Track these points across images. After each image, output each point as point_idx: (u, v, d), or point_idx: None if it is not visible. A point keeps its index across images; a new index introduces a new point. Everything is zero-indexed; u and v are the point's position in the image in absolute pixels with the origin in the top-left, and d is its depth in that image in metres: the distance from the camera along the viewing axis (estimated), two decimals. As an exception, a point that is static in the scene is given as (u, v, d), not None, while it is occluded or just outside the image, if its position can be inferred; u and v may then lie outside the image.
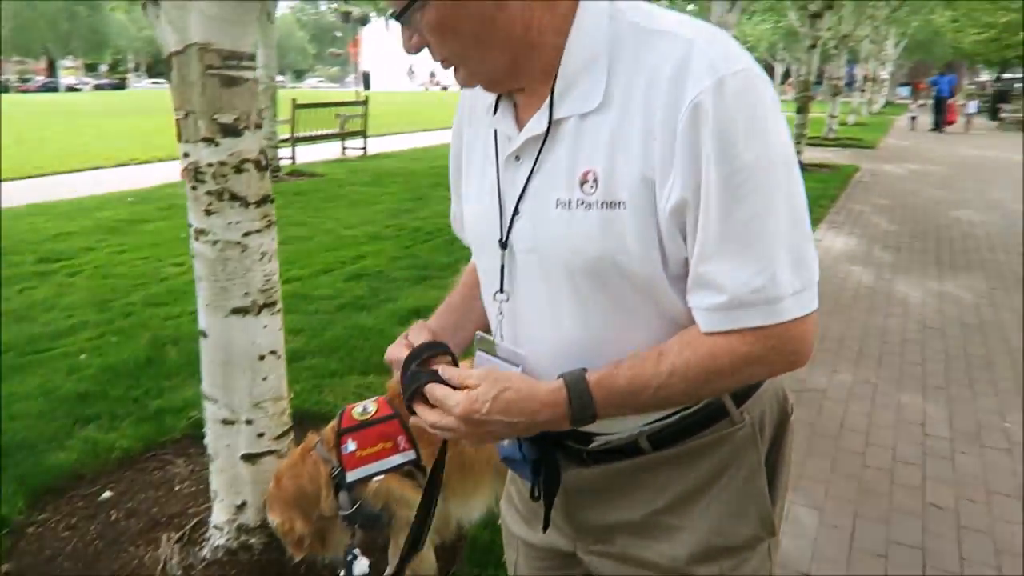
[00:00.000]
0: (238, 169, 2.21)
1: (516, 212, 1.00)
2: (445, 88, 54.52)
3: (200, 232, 2.23)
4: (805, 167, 12.17)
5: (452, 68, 0.99)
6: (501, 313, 1.06)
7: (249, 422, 2.39)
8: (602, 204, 0.91)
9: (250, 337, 2.32)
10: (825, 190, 10.27)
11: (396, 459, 1.97)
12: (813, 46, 12.27)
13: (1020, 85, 30.90)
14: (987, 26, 25.98)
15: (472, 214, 1.11)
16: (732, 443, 1.05)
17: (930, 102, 23.87)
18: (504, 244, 1.02)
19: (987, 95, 31.19)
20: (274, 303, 2.37)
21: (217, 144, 2.16)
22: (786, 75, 40.96)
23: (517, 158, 1.00)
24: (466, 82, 1.01)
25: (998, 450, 3.27)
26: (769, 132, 0.86)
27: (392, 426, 2.02)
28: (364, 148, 13.93)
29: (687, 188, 0.86)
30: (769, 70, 35.71)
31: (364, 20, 26.40)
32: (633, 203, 0.89)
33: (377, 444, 1.99)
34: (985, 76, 49.68)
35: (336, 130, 13.28)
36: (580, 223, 0.92)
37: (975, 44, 30.75)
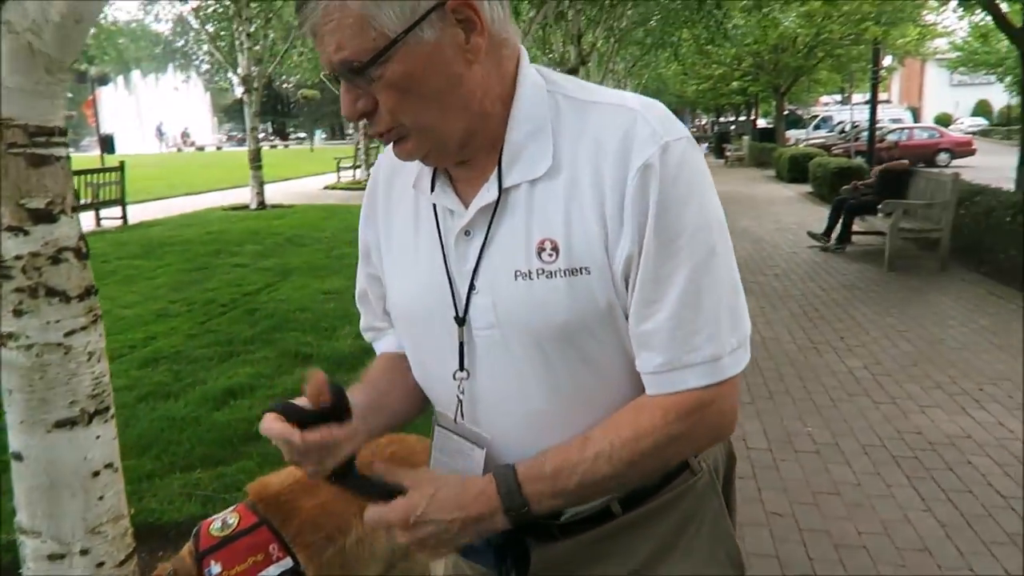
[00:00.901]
0: (55, 260, 1.91)
1: (472, 288, 0.97)
2: (201, 148, 51.57)
3: (8, 337, 1.89)
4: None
5: (396, 139, 0.93)
6: (463, 392, 1.01)
7: (84, 552, 2.04)
8: (565, 272, 0.91)
9: (80, 452, 1.99)
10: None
11: (272, 571, 1.79)
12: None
13: (734, 128, 35.71)
14: (705, 78, 29.76)
15: (408, 294, 1.06)
16: (695, 493, 1.07)
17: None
18: (461, 321, 0.98)
19: (710, 137, 35.62)
20: (107, 408, 2.06)
21: (27, 233, 1.86)
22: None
23: (467, 233, 0.97)
24: (413, 153, 0.95)
25: (809, 453, 3.65)
26: (705, 195, 0.92)
27: (261, 535, 1.83)
28: (124, 217, 12.77)
29: (633, 245, 0.89)
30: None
31: (104, 80, 24.42)
32: (596, 267, 0.91)
33: (247, 559, 1.79)
34: (704, 119, 56.94)
35: (89, 200, 12.05)
36: (543, 292, 0.92)
37: (696, 92, 35.10)
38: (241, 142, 55.63)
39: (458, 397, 1.01)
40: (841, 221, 8.94)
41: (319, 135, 54.48)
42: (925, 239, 8.36)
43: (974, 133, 32.34)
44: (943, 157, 22.80)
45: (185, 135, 54.50)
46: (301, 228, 11.39)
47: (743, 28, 15.94)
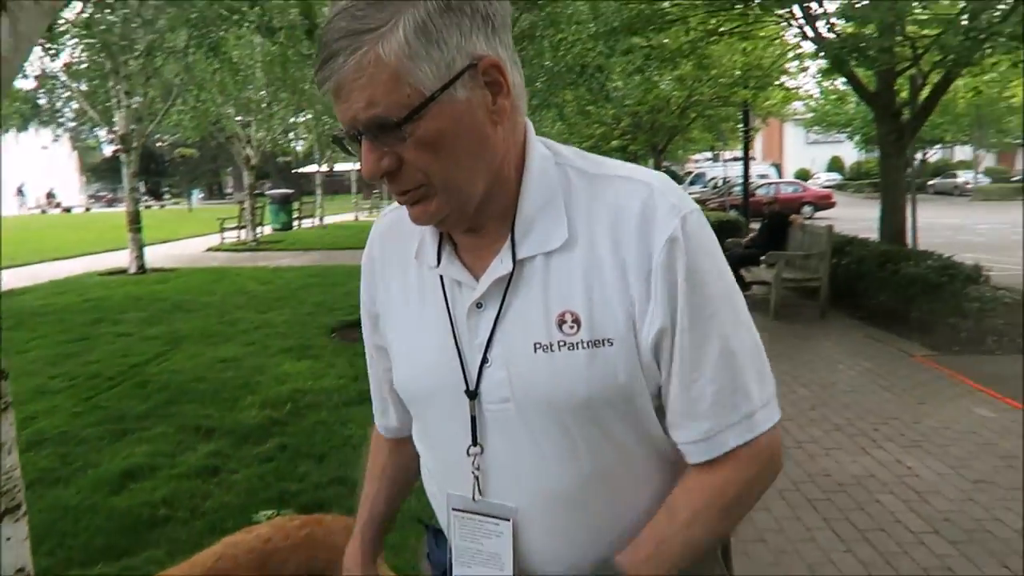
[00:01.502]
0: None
1: (485, 360, 0.95)
2: (68, 210, 48.62)
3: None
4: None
5: (419, 199, 0.91)
6: (478, 468, 0.98)
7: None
8: (588, 343, 0.91)
9: (-12, 558, 1.79)
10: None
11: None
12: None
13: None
14: (587, 137, 30.88)
15: (416, 370, 1.04)
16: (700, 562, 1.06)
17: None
18: (473, 395, 0.96)
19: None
20: (17, 506, 1.87)
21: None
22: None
23: (479, 305, 0.96)
24: (435, 214, 0.93)
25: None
26: (721, 262, 0.96)
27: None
28: (-14, 286, 11.80)
29: (666, 318, 0.91)
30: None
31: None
32: (620, 339, 0.91)
33: None
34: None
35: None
36: (566, 365, 0.92)
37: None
38: (111, 202, 52.79)
39: (474, 474, 0.98)
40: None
41: (196, 195, 52.65)
42: (805, 288, 8.91)
43: (831, 187, 34.95)
44: (807, 210, 24.55)
45: (50, 195, 51.30)
46: (188, 293, 10.86)
47: (623, 90, 16.67)
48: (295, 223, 24.97)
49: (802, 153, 52.79)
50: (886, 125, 9.64)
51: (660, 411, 0.96)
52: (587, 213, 0.94)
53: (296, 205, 25.41)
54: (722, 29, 11.49)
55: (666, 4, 10.73)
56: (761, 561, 3.14)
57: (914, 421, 4.84)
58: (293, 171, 45.41)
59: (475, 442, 0.98)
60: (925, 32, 8.36)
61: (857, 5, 8.70)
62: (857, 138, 37.96)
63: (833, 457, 4.28)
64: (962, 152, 40.93)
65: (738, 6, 10.57)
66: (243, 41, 15.27)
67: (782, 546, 3.27)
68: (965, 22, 7.32)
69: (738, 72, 17.83)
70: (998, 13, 7.04)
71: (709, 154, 47.87)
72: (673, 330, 0.91)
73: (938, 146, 29.88)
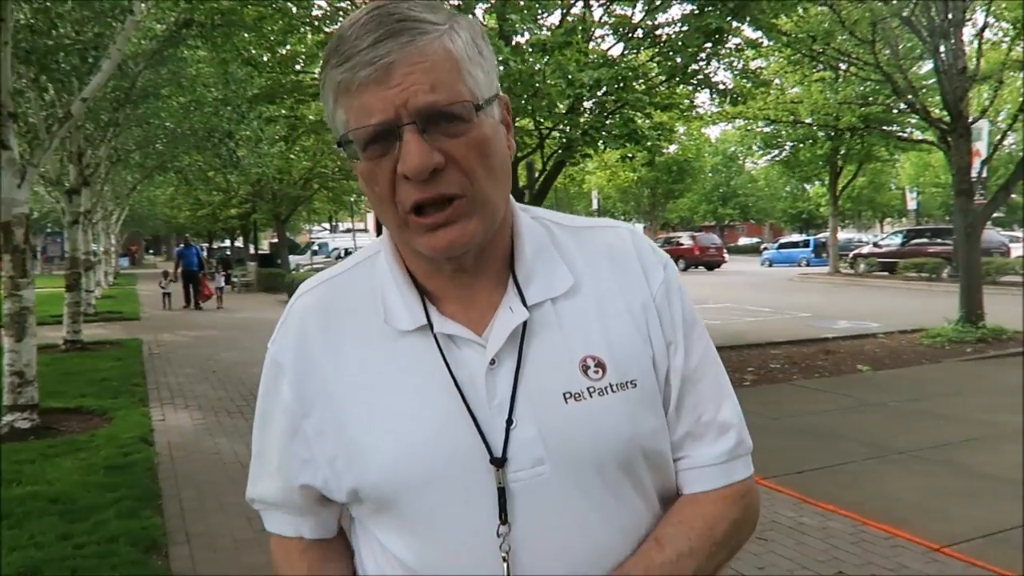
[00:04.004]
0: None
1: (510, 422, 0.87)
2: None
3: None
4: (89, 346, 11.38)
5: (454, 218, 0.83)
6: (510, 549, 0.85)
7: None
8: (616, 386, 0.89)
9: None
10: (128, 367, 9.83)
11: None
12: (75, 222, 11.77)
13: (229, 253, 35.54)
14: (205, 203, 29.23)
15: (412, 452, 0.87)
16: None
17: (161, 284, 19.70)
18: (501, 462, 0.86)
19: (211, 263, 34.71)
20: None
21: None
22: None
23: (492, 362, 0.88)
24: (475, 233, 0.85)
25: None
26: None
27: None
28: None
29: (676, 354, 0.94)
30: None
31: None
32: (643, 380, 0.91)
33: None
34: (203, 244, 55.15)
35: None
36: (602, 411, 0.88)
37: (189, 218, 34.13)
38: None
39: (503, 557, 0.85)
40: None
41: None
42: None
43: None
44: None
45: None
46: None
47: (252, 158, 16.20)
48: None
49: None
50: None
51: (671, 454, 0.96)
52: (582, 259, 0.95)
53: None
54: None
55: (312, 76, 10.79)
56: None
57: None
58: None
59: (504, 520, 0.85)
60: (547, 124, 9.70)
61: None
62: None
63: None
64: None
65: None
66: None
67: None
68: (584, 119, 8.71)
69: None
70: (607, 114, 8.53)
71: (327, 225, 48.71)
72: (672, 368, 0.94)
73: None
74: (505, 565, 0.85)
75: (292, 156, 19.65)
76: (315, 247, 34.71)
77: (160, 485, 5.05)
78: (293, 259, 29.96)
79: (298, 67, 11.37)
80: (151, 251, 69.17)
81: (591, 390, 0.88)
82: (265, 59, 11.73)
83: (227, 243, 41.74)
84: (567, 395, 0.87)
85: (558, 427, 0.86)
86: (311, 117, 13.66)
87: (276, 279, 23.81)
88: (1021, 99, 12.93)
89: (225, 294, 19.36)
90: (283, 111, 12.58)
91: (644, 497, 0.92)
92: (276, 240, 29.85)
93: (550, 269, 0.92)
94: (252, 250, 35.48)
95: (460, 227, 0.84)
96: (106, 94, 10.88)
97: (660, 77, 9.86)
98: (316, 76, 11.79)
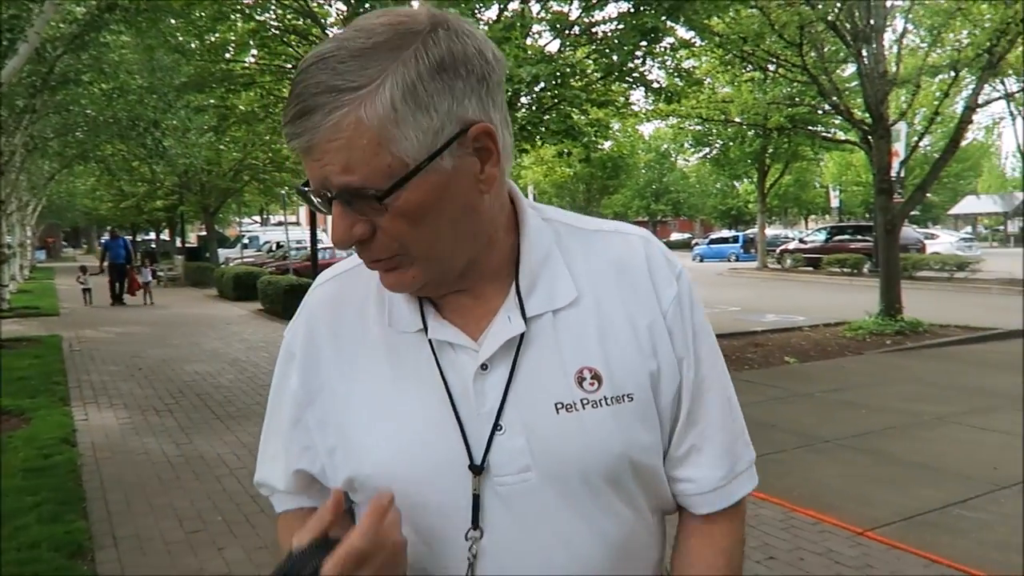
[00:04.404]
0: None
1: (497, 427, 0.88)
2: None
3: None
4: (4, 343, 10.85)
5: (393, 267, 0.85)
6: (474, 555, 0.88)
7: None
8: (611, 399, 0.89)
9: None
10: (47, 365, 9.41)
11: None
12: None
13: (155, 246, 34.36)
14: (129, 195, 28.15)
15: (398, 451, 0.89)
16: None
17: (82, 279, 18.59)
18: (479, 469, 0.87)
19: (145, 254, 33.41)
20: None
21: None
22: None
23: (484, 367, 0.89)
24: (412, 283, 0.87)
25: None
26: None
27: None
28: None
29: (678, 371, 0.93)
30: None
31: None
32: (639, 394, 0.90)
33: None
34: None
35: None
36: (594, 423, 0.88)
37: (111, 209, 32.83)
38: None
39: (468, 560, 0.87)
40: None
41: None
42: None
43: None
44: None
45: None
46: None
47: (179, 148, 15.69)
48: None
49: (344, 219, 55.50)
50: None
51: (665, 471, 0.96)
52: (588, 269, 0.93)
53: None
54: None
55: (243, 65, 10.50)
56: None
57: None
58: None
59: (475, 525, 0.87)
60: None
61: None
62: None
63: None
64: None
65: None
66: None
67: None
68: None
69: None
70: (544, 110, 8.56)
71: (258, 218, 47.55)
72: (684, 382, 0.93)
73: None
74: (469, 570, 0.87)
75: (222, 147, 19.11)
76: (245, 240, 33.74)
77: (84, 487, 4.86)
78: (222, 252, 29.10)
79: (228, 55, 11.08)
80: (68, 244, 66.35)
81: (584, 402, 0.88)
82: (193, 46, 11.37)
83: (152, 236, 40.35)
84: (559, 405, 0.87)
85: (547, 436, 0.87)
86: (242, 107, 13.30)
87: (205, 273, 23.17)
88: (936, 103, 13.54)
89: (152, 288, 18.57)
90: (212, 100, 12.18)
91: (635, 509, 0.93)
92: (204, 233, 29.02)
93: (554, 278, 0.91)
94: (179, 243, 34.40)
95: (397, 276, 0.85)
96: (22, 79, 10.35)
97: (597, 74, 9.96)
98: (247, 65, 11.53)
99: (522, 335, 0.89)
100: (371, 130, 0.75)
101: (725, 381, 0.99)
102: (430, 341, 0.90)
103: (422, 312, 0.91)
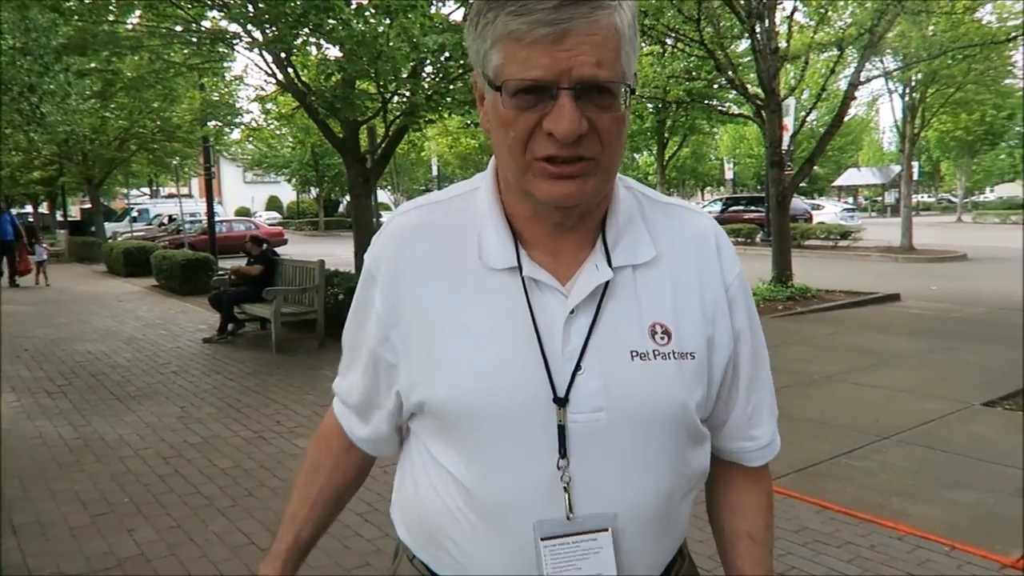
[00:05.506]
0: None
1: (578, 368, 0.94)
2: None
3: None
4: None
5: (579, 174, 0.89)
6: (570, 480, 0.93)
7: None
8: (676, 355, 0.97)
9: None
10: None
11: None
12: None
13: (32, 220, 32.14)
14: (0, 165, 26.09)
15: (482, 382, 0.94)
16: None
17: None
18: (563, 402, 0.92)
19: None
20: None
21: None
22: None
23: (572, 311, 0.96)
24: (588, 193, 0.92)
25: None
26: None
27: None
28: None
29: (735, 341, 1.04)
30: None
31: None
32: (699, 354, 0.99)
33: None
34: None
35: None
36: (662, 373, 0.95)
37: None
38: None
39: (564, 487, 0.93)
40: (225, 314, 9.16)
41: None
42: (303, 320, 9.19)
43: (275, 224, 36.27)
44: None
45: None
46: None
47: (55, 115, 14.64)
48: None
49: (241, 192, 53.59)
50: (354, 170, 10.62)
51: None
52: (667, 236, 1.02)
53: None
54: (191, 62, 11.08)
55: (128, 27, 9.89)
56: None
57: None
58: None
59: (563, 455, 0.92)
60: (390, 88, 9.52)
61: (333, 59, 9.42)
62: (294, 180, 40.50)
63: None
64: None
65: (193, 40, 10.39)
66: None
67: None
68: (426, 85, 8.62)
69: (196, 107, 17.27)
70: (450, 80, 8.49)
71: (147, 190, 45.15)
72: (740, 351, 1.04)
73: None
74: (567, 496, 0.93)
75: (107, 114, 17.93)
76: (134, 214, 31.96)
77: (-27, 476, 4.59)
78: (110, 227, 27.52)
79: (111, 16, 10.41)
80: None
81: (655, 353, 0.95)
82: (71, 4, 10.62)
83: (29, 209, 37.66)
84: (634, 353, 0.95)
85: (621, 381, 0.94)
86: (129, 73, 12.55)
87: (91, 248, 21.91)
88: (822, 80, 14.23)
89: (46, 268, 16.61)
90: (96, 64, 11.45)
91: (685, 463, 1.01)
92: (89, 206, 27.34)
93: (636, 238, 0.99)
94: (60, 217, 32.30)
95: (580, 183, 0.89)
96: None
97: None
98: (133, 27, 10.87)
99: (607, 284, 0.95)
100: (620, 38, 0.85)
101: (766, 354, 1.10)
102: (523, 279, 0.95)
103: (517, 252, 0.96)
